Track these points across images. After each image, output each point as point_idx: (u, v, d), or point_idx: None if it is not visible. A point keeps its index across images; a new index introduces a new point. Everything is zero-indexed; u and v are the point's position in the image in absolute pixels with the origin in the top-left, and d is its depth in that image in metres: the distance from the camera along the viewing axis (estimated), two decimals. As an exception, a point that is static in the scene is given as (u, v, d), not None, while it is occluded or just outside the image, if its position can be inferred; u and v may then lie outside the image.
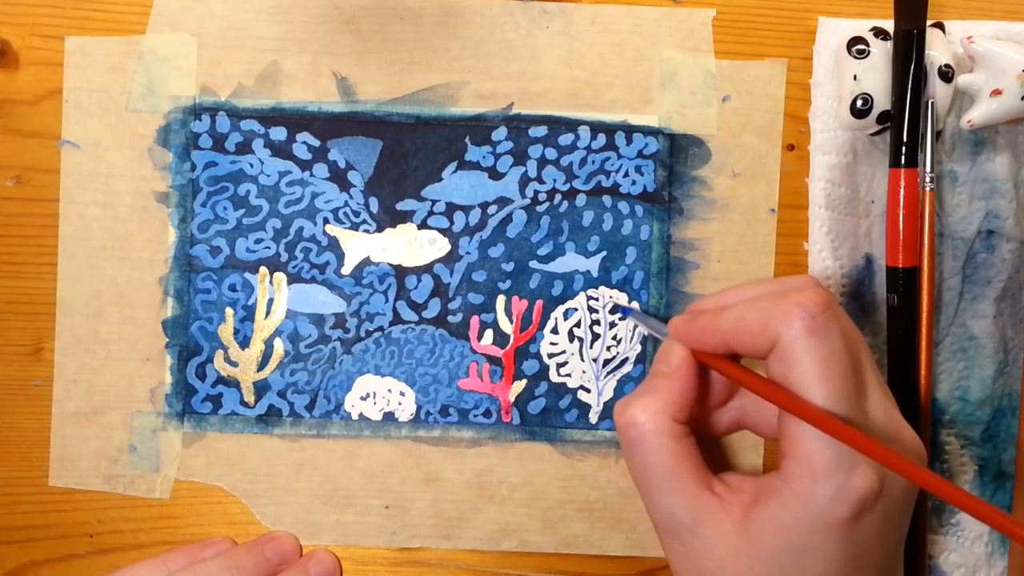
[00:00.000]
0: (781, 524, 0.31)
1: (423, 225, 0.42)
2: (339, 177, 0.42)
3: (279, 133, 0.41)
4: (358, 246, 0.42)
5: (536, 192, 0.42)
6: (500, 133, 0.42)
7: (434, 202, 0.42)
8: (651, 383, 0.34)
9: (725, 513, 0.32)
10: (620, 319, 0.42)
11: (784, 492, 0.31)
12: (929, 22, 0.39)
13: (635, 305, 0.42)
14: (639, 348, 0.42)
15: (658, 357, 0.35)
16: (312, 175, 0.42)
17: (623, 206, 0.42)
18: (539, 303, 0.42)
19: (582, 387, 0.42)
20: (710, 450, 0.42)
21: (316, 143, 0.42)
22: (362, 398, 0.42)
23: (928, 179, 0.40)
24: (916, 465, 0.29)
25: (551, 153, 0.42)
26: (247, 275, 0.42)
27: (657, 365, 0.35)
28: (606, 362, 0.42)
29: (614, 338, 0.42)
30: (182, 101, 0.41)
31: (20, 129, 0.41)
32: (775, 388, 0.31)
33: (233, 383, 0.42)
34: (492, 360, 0.42)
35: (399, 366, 0.42)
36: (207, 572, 0.39)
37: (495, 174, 0.42)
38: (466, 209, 0.42)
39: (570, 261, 0.42)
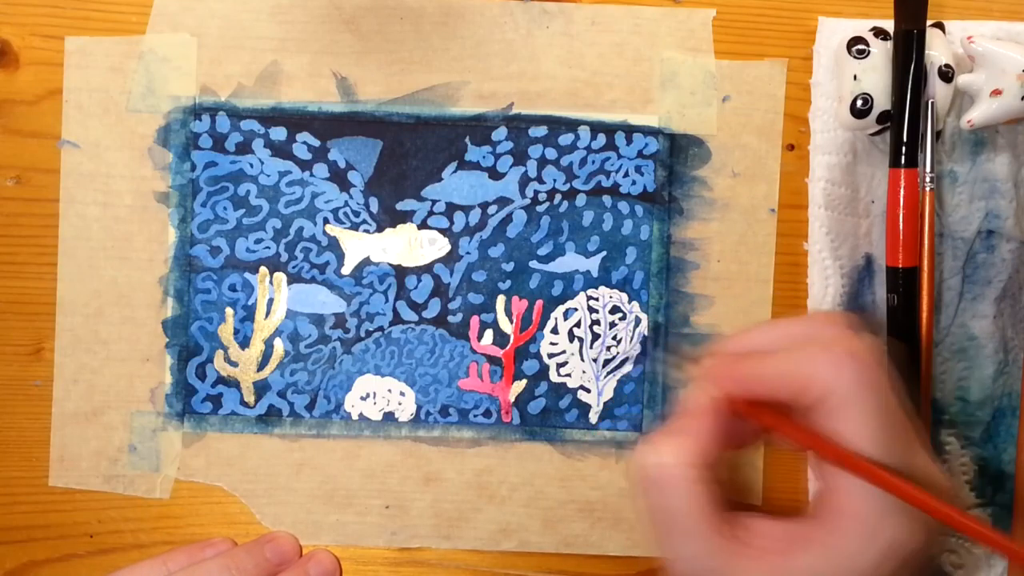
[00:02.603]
0: (816, 572, 0.30)
1: (423, 225, 0.42)
2: (339, 177, 0.42)
3: (279, 133, 0.42)
4: (358, 246, 0.42)
5: (536, 192, 0.42)
6: (500, 133, 0.42)
7: (434, 202, 0.42)
8: (681, 423, 0.32)
9: (750, 559, 0.31)
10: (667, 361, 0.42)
11: (828, 544, 0.30)
12: (929, 22, 0.39)
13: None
14: (639, 348, 0.42)
15: (687, 397, 0.33)
16: (312, 175, 0.42)
17: (623, 206, 0.42)
18: (539, 303, 0.42)
19: (582, 387, 0.42)
20: None
21: (316, 143, 0.42)
22: (362, 398, 0.42)
23: (928, 179, 0.40)
24: (991, 529, 0.28)
25: (551, 153, 0.42)
26: (247, 275, 0.42)
27: (687, 402, 0.33)
28: (606, 362, 0.42)
29: (614, 338, 0.42)
30: (182, 101, 0.41)
31: (20, 129, 0.41)
32: (830, 443, 0.30)
33: (233, 383, 0.42)
34: (492, 360, 0.42)
35: (399, 366, 0.42)
36: (207, 572, 0.38)
37: (495, 174, 0.42)
38: (466, 209, 0.42)
39: (570, 261, 0.42)
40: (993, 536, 0.28)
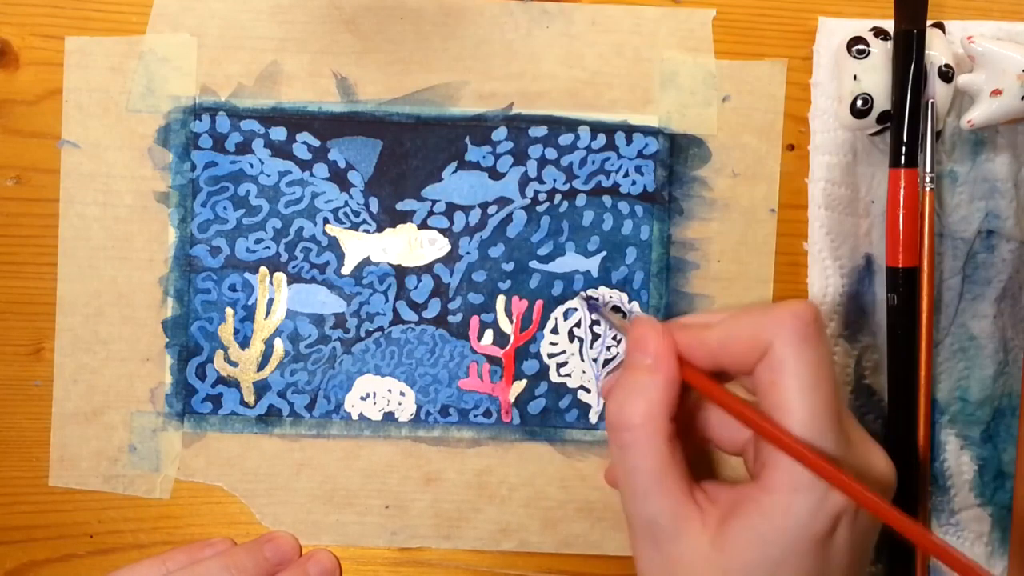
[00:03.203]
0: (757, 534, 0.30)
1: (423, 225, 0.42)
2: (339, 177, 0.42)
3: (279, 133, 0.42)
4: (358, 246, 0.42)
5: (536, 192, 0.42)
6: (500, 133, 0.42)
7: (434, 202, 0.42)
8: (637, 379, 0.32)
9: (703, 523, 0.32)
10: (589, 308, 0.42)
11: (763, 501, 0.31)
12: (929, 22, 0.39)
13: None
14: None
15: (633, 347, 0.33)
16: (312, 175, 0.42)
17: (623, 206, 0.42)
18: (539, 303, 0.42)
19: (582, 387, 0.42)
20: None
21: (316, 143, 0.42)
22: (362, 398, 0.42)
23: (928, 179, 0.40)
24: (887, 504, 0.29)
25: (551, 153, 0.42)
26: (247, 275, 0.42)
27: (634, 356, 0.33)
28: (606, 362, 0.42)
29: (614, 338, 0.42)
30: (182, 101, 0.41)
31: (20, 129, 0.41)
32: (754, 413, 0.31)
33: (233, 383, 0.42)
34: (492, 360, 0.42)
35: (399, 366, 0.42)
36: (206, 572, 0.39)
37: (495, 174, 0.42)
38: (466, 209, 0.42)
39: (570, 261, 0.42)
40: (900, 519, 0.28)
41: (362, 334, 0.42)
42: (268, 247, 0.42)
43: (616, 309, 0.42)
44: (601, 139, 0.42)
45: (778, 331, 0.31)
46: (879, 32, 0.40)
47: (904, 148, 0.39)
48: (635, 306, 0.42)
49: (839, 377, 0.42)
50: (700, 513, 0.32)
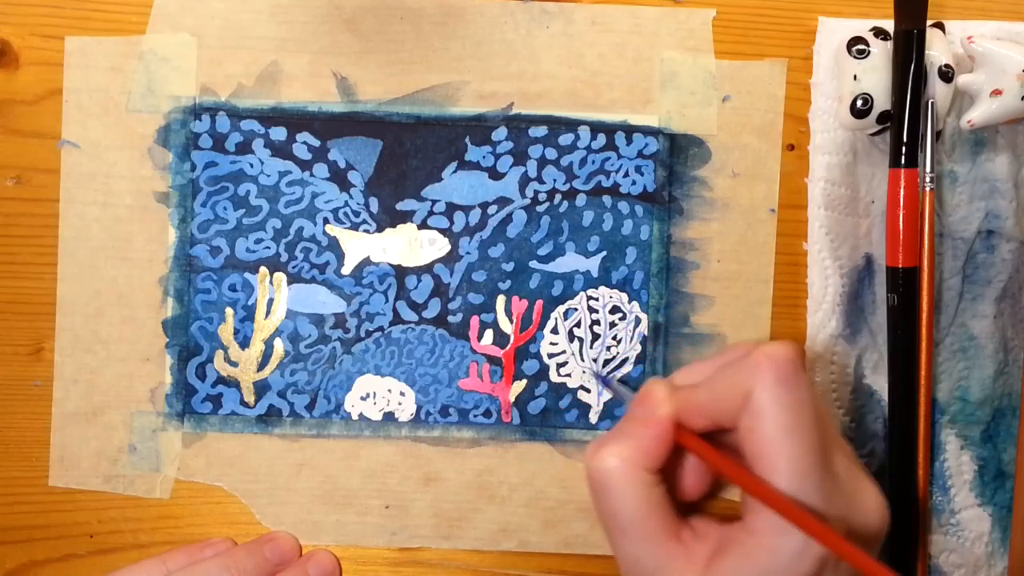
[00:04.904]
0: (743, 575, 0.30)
1: (423, 225, 0.42)
2: (339, 177, 0.42)
3: (279, 133, 0.42)
4: (358, 246, 0.42)
5: (536, 192, 0.42)
6: (500, 133, 0.42)
7: (434, 202, 0.42)
8: (626, 428, 0.33)
9: (689, 561, 0.31)
10: (602, 385, 0.42)
11: (747, 543, 0.31)
12: (929, 22, 0.39)
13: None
14: (639, 348, 0.42)
15: (636, 400, 0.34)
16: (312, 175, 0.42)
17: (623, 206, 0.42)
18: (539, 303, 0.42)
19: (582, 387, 0.42)
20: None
21: (316, 143, 0.42)
22: (362, 398, 0.42)
23: (928, 179, 0.40)
24: (868, 557, 0.28)
25: (551, 153, 0.42)
26: (247, 275, 0.42)
27: (634, 408, 0.34)
28: (606, 362, 0.42)
29: (614, 338, 0.42)
30: (182, 101, 0.41)
31: (20, 129, 0.41)
32: (742, 471, 0.31)
33: (233, 383, 0.42)
34: (492, 360, 0.42)
35: (399, 366, 0.42)
36: (206, 572, 0.39)
37: (495, 174, 0.42)
38: (466, 209, 0.42)
39: (570, 261, 0.42)
40: (879, 570, 0.28)
41: (362, 334, 0.42)
42: (268, 247, 0.42)
43: (624, 382, 0.42)
44: (601, 139, 0.42)
45: (755, 377, 0.30)
46: (879, 32, 0.40)
47: (904, 148, 0.39)
48: (635, 306, 0.42)
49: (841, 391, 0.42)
50: (686, 552, 0.32)
